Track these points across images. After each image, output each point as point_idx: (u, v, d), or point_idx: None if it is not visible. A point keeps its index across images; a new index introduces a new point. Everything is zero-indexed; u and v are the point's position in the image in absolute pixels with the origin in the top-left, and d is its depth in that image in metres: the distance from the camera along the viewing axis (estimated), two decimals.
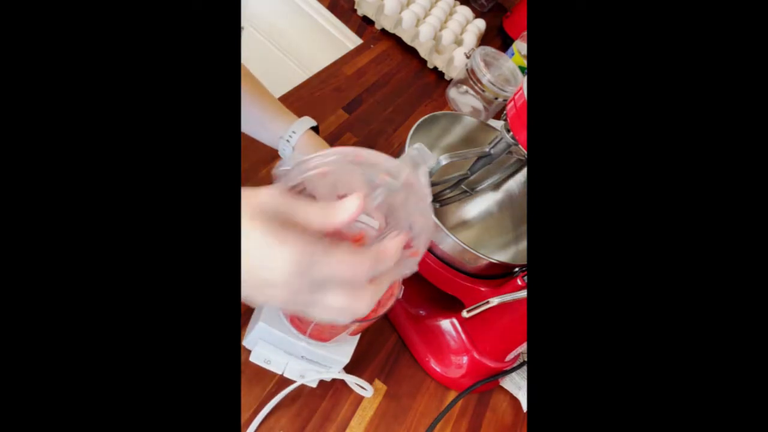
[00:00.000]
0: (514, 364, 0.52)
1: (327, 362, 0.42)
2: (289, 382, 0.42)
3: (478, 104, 0.72)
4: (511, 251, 0.54)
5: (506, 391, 0.55)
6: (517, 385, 0.55)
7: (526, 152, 0.38)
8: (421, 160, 0.28)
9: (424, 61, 0.81)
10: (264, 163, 0.56)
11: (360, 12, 0.81)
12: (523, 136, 0.36)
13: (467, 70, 0.70)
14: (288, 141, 0.46)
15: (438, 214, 0.43)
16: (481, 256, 0.42)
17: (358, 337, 0.43)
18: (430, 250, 0.45)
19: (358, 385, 0.44)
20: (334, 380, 0.45)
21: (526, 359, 0.54)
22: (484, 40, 0.90)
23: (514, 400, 0.55)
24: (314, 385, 0.43)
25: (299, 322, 0.39)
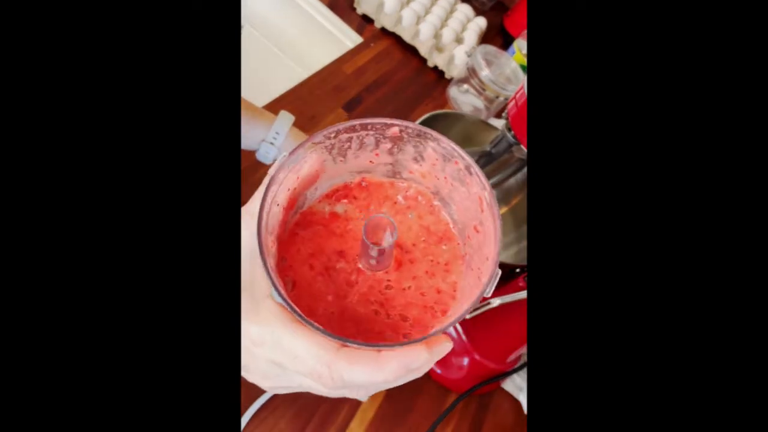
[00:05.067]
0: (515, 366, 0.52)
1: None
2: None
3: (479, 103, 0.71)
4: (512, 251, 0.53)
5: (507, 393, 0.54)
6: (518, 387, 0.54)
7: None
8: None
9: (424, 60, 0.80)
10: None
11: (360, 10, 0.80)
12: (524, 135, 0.36)
13: (468, 68, 0.69)
14: (272, 143, 0.43)
15: None
16: None
17: None
18: None
19: None
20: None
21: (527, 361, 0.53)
22: (484, 38, 0.89)
23: (515, 403, 0.54)
24: None
25: None
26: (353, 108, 0.68)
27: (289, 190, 0.23)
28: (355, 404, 0.46)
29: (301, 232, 0.24)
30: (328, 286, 0.23)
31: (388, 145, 0.24)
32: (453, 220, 0.25)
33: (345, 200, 0.25)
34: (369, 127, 0.23)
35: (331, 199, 0.25)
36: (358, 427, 0.45)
